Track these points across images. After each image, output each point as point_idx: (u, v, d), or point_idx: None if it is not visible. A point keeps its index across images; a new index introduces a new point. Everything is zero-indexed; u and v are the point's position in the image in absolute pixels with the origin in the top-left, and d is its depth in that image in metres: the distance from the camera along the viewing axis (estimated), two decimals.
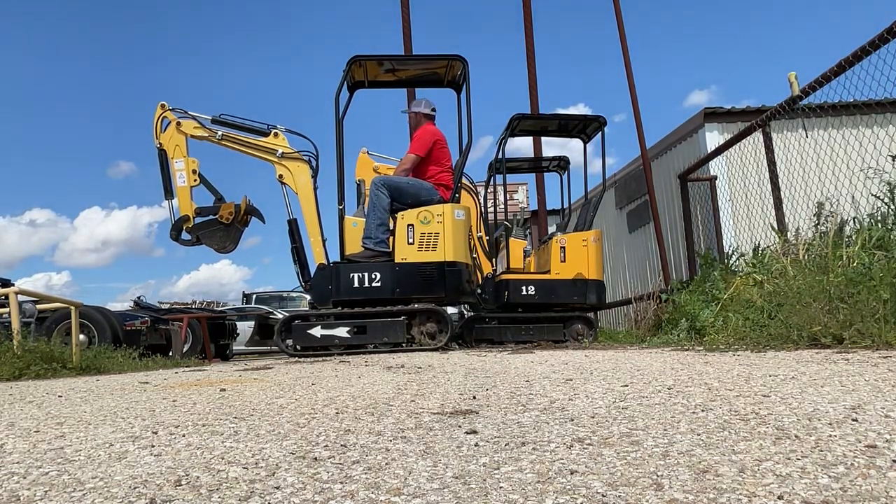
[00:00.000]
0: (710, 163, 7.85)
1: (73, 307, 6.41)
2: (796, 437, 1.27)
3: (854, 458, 1.08)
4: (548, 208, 10.39)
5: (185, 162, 7.14)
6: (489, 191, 8.98)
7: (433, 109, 6.91)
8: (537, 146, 9.45)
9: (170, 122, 7.19)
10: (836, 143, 6.16)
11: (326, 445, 1.45)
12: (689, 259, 7.96)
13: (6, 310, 6.13)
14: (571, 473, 1.09)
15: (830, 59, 4.80)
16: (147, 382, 3.69)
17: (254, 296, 18.21)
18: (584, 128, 8.24)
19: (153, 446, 1.55)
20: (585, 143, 8.43)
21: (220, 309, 16.90)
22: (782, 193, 6.01)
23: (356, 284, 6.30)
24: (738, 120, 8.28)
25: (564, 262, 7.33)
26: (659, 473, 1.06)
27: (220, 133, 7.05)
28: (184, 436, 1.68)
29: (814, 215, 5.12)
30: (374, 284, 6.29)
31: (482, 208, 8.39)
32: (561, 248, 7.36)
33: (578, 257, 7.34)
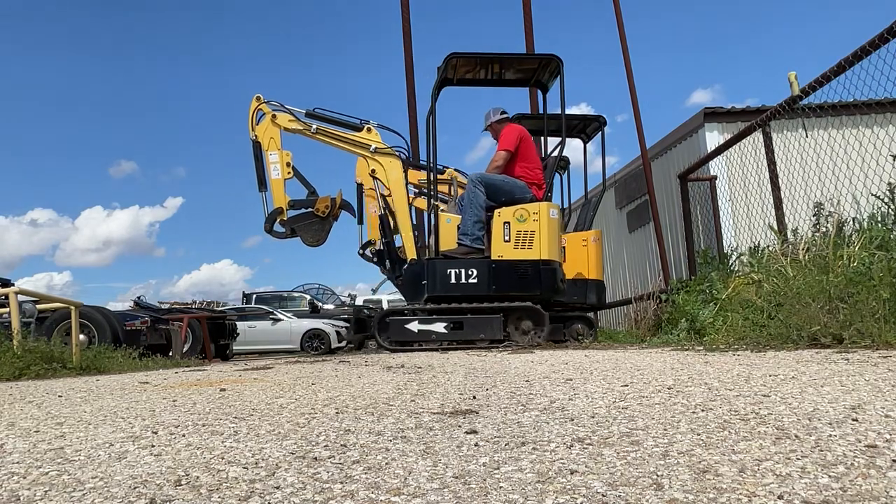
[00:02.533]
0: (710, 163, 7.86)
1: (73, 307, 6.41)
2: (796, 436, 1.27)
3: (854, 458, 1.08)
4: None
5: (279, 154, 7.18)
6: None
7: (503, 112, 7.07)
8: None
9: (264, 115, 7.21)
10: (836, 143, 6.16)
11: (326, 445, 1.45)
12: (689, 259, 7.96)
13: (6, 310, 6.13)
14: (571, 473, 1.09)
15: (831, 59, 4.80)
16: (147, 382, 3.69)
17: (254, 296, 18.21)
18: (584, 127, 8.24)
19: (153, 446, 1.55)
20: (585, 142, 8.43)
21: (220, 309, 16.90)
22: (782, 193, 6.01)
23: (453, 280, 6.34)
24: (738, 120, 8.28)
25: (564, 261, 7.34)
26: (659, 473, 1.06)
27: (314, 127, 7.10)
28: (184, 436, 1.68)
29: (813, 215, 5.12)
30: (470, 281, 6.34)
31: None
32: (561, 248, 7.37)
33: (578, 257, 7.35)
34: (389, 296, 22.17)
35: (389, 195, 7.94)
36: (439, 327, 6.30)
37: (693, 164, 8.03)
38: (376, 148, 6.95)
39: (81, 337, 6.70)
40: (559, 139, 7.25)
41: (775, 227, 5.87)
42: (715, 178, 8.07)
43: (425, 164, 8.59)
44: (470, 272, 6.33)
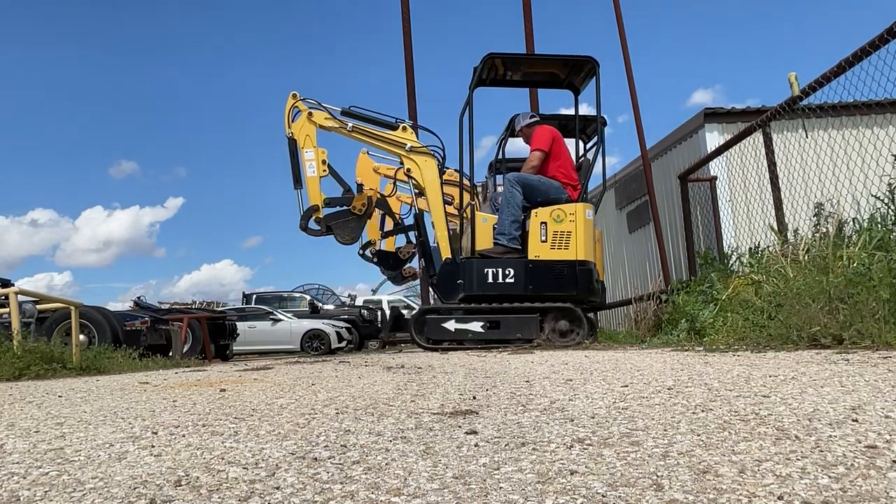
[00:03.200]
0: (710, 163, 7.85)
1: (73, 307, 6.41)
2: (796, 437, 1.27)
3: (854, 459, 1.08)
4: None
5: (314, 152, 7.17)
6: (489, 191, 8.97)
7: (533, 115, 7.13)
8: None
9: (300, 112, 7.20)
10: (836, 144, 6.16)
11: (326, 446, 1.45)
12: (689, 259, 7.96)
13: (6, 310, 6.13)
14: (571, 474, 1.09)
15: (831, 59, 4.80)
16: (147, 382, 3.69)
17: (254, 296, 18.21)
18: (584, 127, 8.23)
19: (153, 446, 1.55)
20: (585, 143, 8.41)
21: (220, 309, 16.91)
22: (782, 194, 6.01)
23: (490, 280, 6.36)
24: (739, 120, 8.28)
25: None
26: (659, 474, 1.06)
27: (350, 125, 7.10)
28: (184, 436, 1.68)
29: (813, 216, 5.11)
30: (507, 280, 6.36)
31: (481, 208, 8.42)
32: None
33: None
34: (389, 296, 22.19)
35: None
36: (476, 326, 6.32)
37: (693, 164, 8.03)
38: (412, 147, 6.97)
39: (81, 337, 6.70)
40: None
41: (775, 228, 5.87)
42: (715, 178, 8.06)
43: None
44: (507, 272, 6.36)
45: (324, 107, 7.17)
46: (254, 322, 15.30)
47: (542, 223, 6.39)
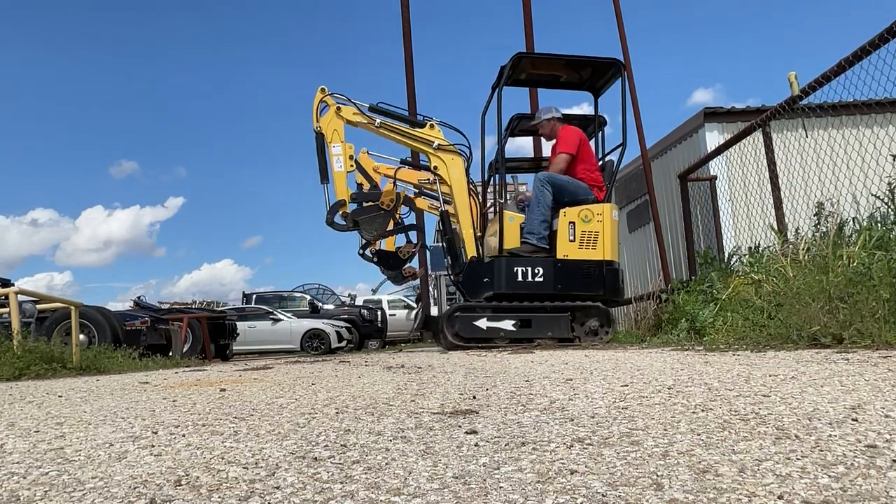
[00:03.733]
0: (710, 163, 7.85)
1: (73, 307, 6.41)
2: (796, 436, 1.27)
3: (854, 458, 1.08)
4: None
5: (342, 147, 7.14)
6: (488, 191, 8.97)
7: (557, 111, 7.15)
8: (537, 146, 9.45)
9: (328, 107, 7.18)
10: (836, 143, 6.16)
11: (326, 445, 1.45)
12: (689, 259, 7.96)
13: (6, 310, 6.14)
14: (571, 473, 1.09)
15: (831, 59, 4.80)
16: (147, 382, 3.69)
17: (254, 296, 18.22)
18: (583, 127, 8.22)
19: (153, 446, 1.55)
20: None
21: (220, 309, 16.90)
22: (782, 193, 6.01)
23: (519, 279, 6.39)
24: (738, 120, 8.28)
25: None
26: (659, 473, 1.06)
27: (378, 121, 7.09)
28: (184, 436, 1.68)
29: (814, 215, 5.11)
30: (536, 279, 6.39)
31: (482, 208, 8.41)
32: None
33: None
34: (389, 296, 22.18)
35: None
36: (508, 325, 6.34)
37: (693, 164, 8.02)
38: (439, 144, 6.98)
39: (81, 337, 6.70)
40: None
41: (775, 227, 5.87)
42: (715, 178, 8.06)
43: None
44: (536, 271, 6.39)
45: (353, 102, 7.17)
46: (254, 322, 15.31)
47: (570, 223, 6.45)
